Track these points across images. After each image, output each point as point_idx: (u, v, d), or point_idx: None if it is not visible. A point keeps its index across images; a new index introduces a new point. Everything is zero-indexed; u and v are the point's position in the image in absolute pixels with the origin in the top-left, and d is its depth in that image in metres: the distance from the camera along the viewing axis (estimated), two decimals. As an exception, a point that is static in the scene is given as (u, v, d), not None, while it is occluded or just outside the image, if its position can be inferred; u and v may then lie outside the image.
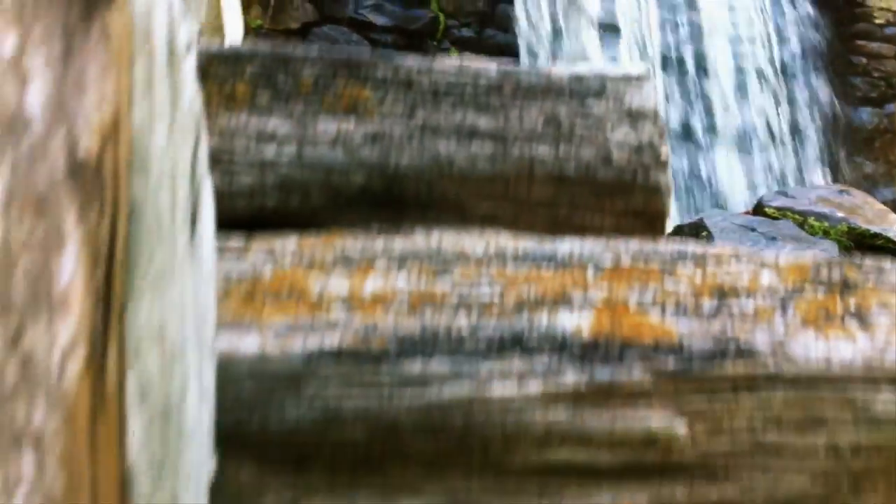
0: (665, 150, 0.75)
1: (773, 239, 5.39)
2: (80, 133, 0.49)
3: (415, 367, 0.62)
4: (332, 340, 0.61)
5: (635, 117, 0.75)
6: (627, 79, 0.76)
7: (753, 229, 5.43)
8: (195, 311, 0.52)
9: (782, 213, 5.66)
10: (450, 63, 0.74)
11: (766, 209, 5.71)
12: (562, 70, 0.77)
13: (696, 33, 7.30)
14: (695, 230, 5.53)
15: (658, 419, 0.67)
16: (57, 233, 0.47)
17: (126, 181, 0.47)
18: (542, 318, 0.66)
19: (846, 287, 0.75)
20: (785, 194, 5.96)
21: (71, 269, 0.47)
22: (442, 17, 7.46)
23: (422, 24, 7.40)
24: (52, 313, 0.46)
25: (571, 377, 0.65)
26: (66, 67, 0.49)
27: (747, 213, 5.90)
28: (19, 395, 0.44)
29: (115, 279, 0.46)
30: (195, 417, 0.52)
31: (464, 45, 7.80)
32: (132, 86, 0.48)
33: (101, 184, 0.49)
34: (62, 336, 0.46)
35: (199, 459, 0.53)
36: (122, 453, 0.46)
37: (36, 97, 0.46)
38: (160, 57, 0.50)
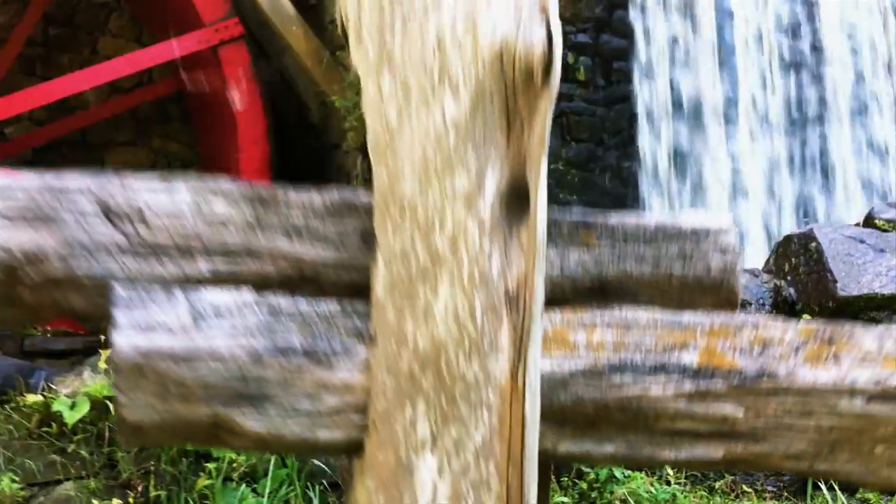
0: (738, 268, 1.65)
1: (882, 251, 6.10)
2: (512, 282, 1.40)
3: (616, 378, 1.55)
4: (580, 364, 1.54)
5: (724, 251, 1.66)
6: (720, 229, 1.68)
7: (863, 241, 6.13)
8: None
9: (892, 224, 6.34)
10: (631, 219, 1.65)
11: (876, 221, 6.40)
12: (687, 221, 1.67)
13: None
14: (804, 241, 6.22)
15: (728, 408, 1.59)
16: (501, 321, 1.40)
17: (531, 305, 1.40)
18: (675, 355, 1.58)
19: (831, 342, 1.65)
20: None
21: (505, 336, 1.39)
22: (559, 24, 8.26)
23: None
24: (499, 352, 1.39)
25: (688, 386, 1.57)
26: (506, 251, 1.40)
27: (857, 224, 6.55)
28: (484, 386, 1.38)
29: (525, 338, 1.39)
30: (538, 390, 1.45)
31: (580, 51, 8.65)
32: (535, 264, 1.41)
33: (519, 304, 1.41)
34: (502, 361, 1.39)
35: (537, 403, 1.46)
36: (522, 410, 1.39)
37: (495, 265, 1.38)
38: (541, 245, 1.42)
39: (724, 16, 8.75)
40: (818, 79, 9.02)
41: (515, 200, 1.37)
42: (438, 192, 1.37)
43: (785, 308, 6.17)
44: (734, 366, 1.59)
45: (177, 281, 1.50)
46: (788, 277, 6.37)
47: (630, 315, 1.60)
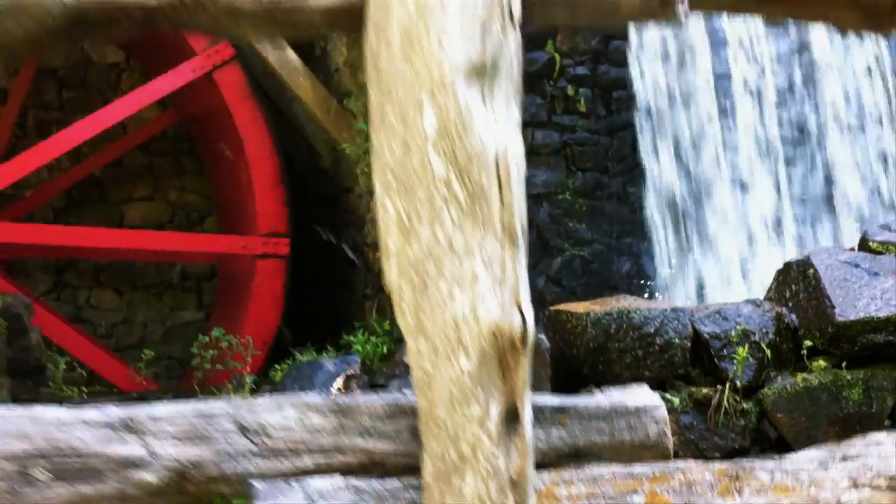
0: (668, 431, 2.54)
1: (876, 274, 6.83)
2: (513, 472, 2.31)
3: (588, 518, 2.46)
4: (563, 512, 2.44)
5: (657, 421, 2.56)
6: (655, 405, 2.58)
7: (857, 265, 6.88)
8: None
9: (885, 247, 7.07)
10: (592, 403, 2.55)
11: (871, 244, 7.14)
12: (632, 400, 2.57)
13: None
14: (802, 268, 6.96)
15: (666, 530, 2.49)
16: (507, 498, 2.30)
17: (526, 486, 2.30)
18: (629, 499, 2.49)
19: (737, 478, 2.54)
20: (889, 228, 7.33)
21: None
22: (558, 58, 9.24)
23: (540, 66, 9.22)
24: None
25: (638, 519, 2.47)
26: (507, 453, 2.31)
27: (852, 248, 7.27)
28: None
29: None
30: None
31: (579, 82, 9.54)
32: (526, 460, 2.31)
33: (518, 486, 2.32)
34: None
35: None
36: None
37: (501, 462, 2.28)
38: (530, 447, 2.32)
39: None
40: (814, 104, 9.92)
41: (511, 420, 2.28)
42: (461, 416, 2.27)
43: (787, 335, 6.90)
44: (668, 503, 2.49)
45: (292, 474, 2.41)
46: (790, 304, 7.10)
47: (596, 471, 2.50)
